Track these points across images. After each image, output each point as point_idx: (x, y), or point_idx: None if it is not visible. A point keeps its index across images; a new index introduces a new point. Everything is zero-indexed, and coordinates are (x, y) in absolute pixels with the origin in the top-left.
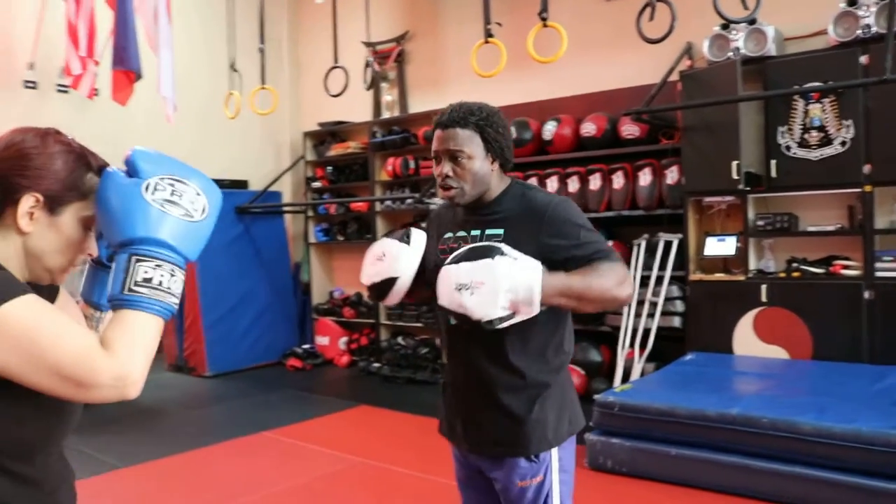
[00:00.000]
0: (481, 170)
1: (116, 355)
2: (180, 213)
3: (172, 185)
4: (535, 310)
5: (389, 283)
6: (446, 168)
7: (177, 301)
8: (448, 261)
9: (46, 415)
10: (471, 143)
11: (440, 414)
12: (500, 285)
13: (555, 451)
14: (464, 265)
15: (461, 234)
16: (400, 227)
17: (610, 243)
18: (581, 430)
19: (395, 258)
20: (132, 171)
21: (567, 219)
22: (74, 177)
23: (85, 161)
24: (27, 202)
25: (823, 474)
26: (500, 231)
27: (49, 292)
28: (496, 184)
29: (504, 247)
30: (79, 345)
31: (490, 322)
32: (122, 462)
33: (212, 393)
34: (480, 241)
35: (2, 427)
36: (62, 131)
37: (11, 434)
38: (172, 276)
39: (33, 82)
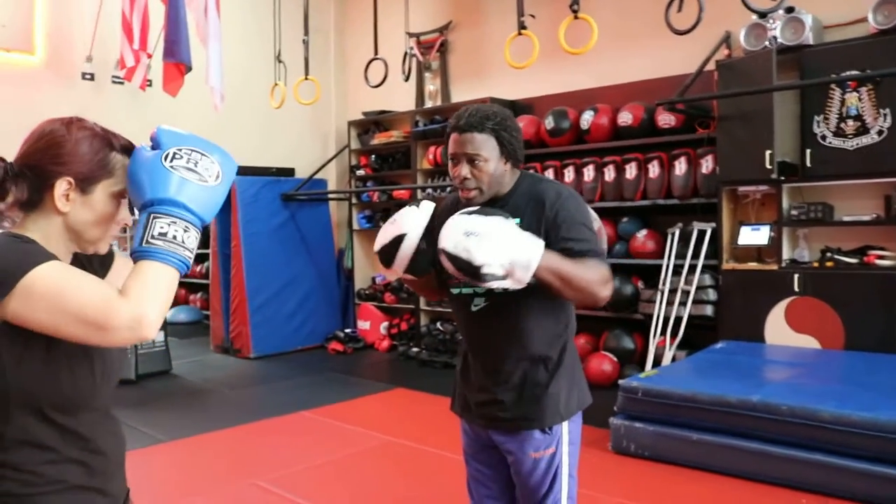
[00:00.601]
0: (497, 171)
1: (132, 299)
2: (195, 178)
3: (189, 154)
4: (528, 278)
5: (397, 241)
6: (464, 171)
7: (191, 255)
8: (460, 212)
9: (81, 373)
10: (487, 147)
11: (453, 393)
12: (505, 241)
13: (566, 424)
14: (476, 216)
15: None
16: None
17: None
18: (604, 415)
19: (402, 217)
20: (155, 145)
21: (572, 215)
22: (100, 157)
23: (108, 142)
24: (61, 186)
25: (842, 462)
26: (516, 221)
27: (101, 260)
28: (508, 180)
29: (511, 219)
30: (98, 294)
31: (484, 276)
32: (165, 436)
33: (255, 374)
34: None
35: (43, 382)
36: (85, 117)
37: (52, 389)
38: (186, 231)
39: (91, 74)
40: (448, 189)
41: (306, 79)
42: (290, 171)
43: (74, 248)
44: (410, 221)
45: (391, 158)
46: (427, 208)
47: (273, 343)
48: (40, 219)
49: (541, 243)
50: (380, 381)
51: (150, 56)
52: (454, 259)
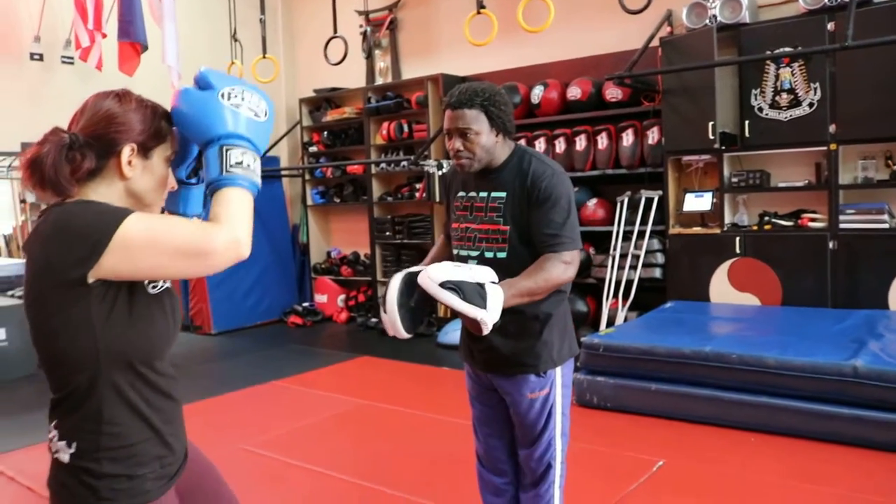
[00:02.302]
0: (487, 142)
1: (226, 223)
2: (251, 114)
3: (241, 92)
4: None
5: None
6: (458, 143)
7: (260, 180)
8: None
9: (161, 322)
10: (477, 121)
11: (461, 342)
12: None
13: (558, 369)
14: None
15: (472, 193)
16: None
17: (575, 223)
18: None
19: (390, 323)
20: (204, 85)
21: (551, 194)
22: (154, 125)
23: (156, 111)
24: (126, 152)
25: (786, 402)
26: (504, 194)
27: None
28: (501, 151)
29: (488, 285)
30: (191, 226)
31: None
32: None
33: (219, 349)
34: (487, 202)
35: (129, 336)
36: (129, 89)
37: (137, 341)
38: (255, 160)
39: (39, 54)
40: (402, 164)
41: (264, 57)
42: None
43: None
44: (405, 327)
45: (343, 134)
46: (391, 295)
47: (233, 319)
48: (101, 186)
49: (498, 298)
50: (343, 350)
51: (104, 36)
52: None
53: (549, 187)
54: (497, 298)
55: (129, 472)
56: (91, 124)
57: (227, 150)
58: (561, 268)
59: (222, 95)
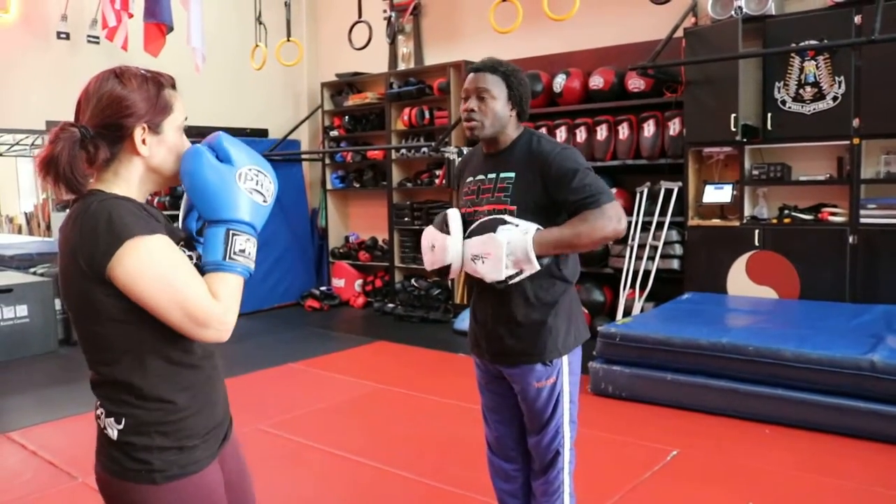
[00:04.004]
0: (502, 112)
1: (223, 305)
2: (260, 199)
3: (256, 175)
4: (536, 266)
5: (446, 269)
6: (472, 104)
7: (254, 266)
8: (465, 235)
9: None
10: (496, 86)
11: (469, 334)
12: (501, 253)
13: (565, 358)
14: (474, 239)
15: (480, 177)
16: (441, 214)
17: (614, 191)
18: (585, 360)
19: (443, 249)
20: (223, 157)
21: (567, 167)
22: (160, 98)
23: (158, 82)
24: (138, 132)
25: (802, 395)
26: (513, 174)
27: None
28: (511, 130)
29: (507, 217)
30: (201, 289)
31: (501, 282)
32: None
33: (238, 330)
34: (496, 182)
35: (165, 331)
36: (128, 65)
37: (170, 331)
38: (254, 247)
39: (66, 33)
40: (423, 150)
41: (288, 40)
42: (264, 132)
43: (155, 188)
44: (451, 253)
45: (364, 119)
46: (456, 228)
47: (251, 301)
48: (121, 168)
49: (531, 233)
50: (360, 334)
51: (131, 16)
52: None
53: (563, 161)
54: (502, 235)
55: (178, 445)
56: (98, 112)
57: (233, 236)
58: (603, 220)
59: (239, 176)
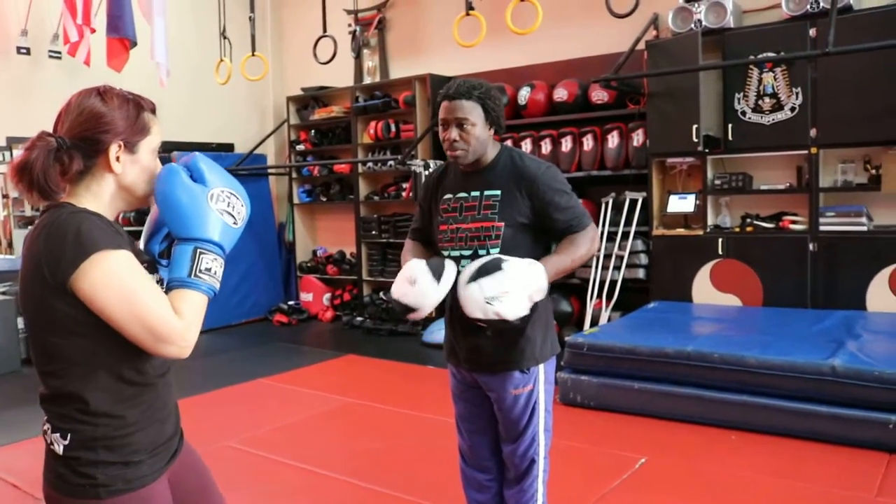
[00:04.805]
0: (482, 135)
1: (185, 321)
2: (230, 221)
3: (228, 197)
4: (544, 294)
5: (412, 308)
6: (453, 133)
7: (219, 284)
8: (465, 280)
9: None
10: (473, 113)
11: (445, 344)
12: (520, 289)
13: (542, 366)
14: (485, 281)
15: (462, 194)
16: (437, 258)
17: (580, 202)
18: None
19: (423, 294)
20: (197, 177)
21: (555, 188)
22: (138, 119)
23: (139, 105)
24: (114, 149)
25: (766, 401)
26: (498, 192)
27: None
28: (491, 149)
29: (503, 256)
30: (163, 305)
31: (518, 321)
32: None
33: (205, 346)
34: (481, 200)
35: (121, 346)
36: (113, 86)
37: (126, 348)
38: (221, 267)
39: (26, 48)
40: (389, 163)
41: (253, 55)
42: (229, 147)
43: (125, 207)
44: (428, 301)
45: (331, 133)
46: (447, 281)
47: (219, 317)
48: (93, 184)
49: (541, 266)
50: (329, 349)
51: (93, 31)
52: (488, 322)
53: (551, 182)
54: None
55: (124, 460)
56: (76, 125)
57: (200, 254)
58: (588, 242)
59: (211, 197)
